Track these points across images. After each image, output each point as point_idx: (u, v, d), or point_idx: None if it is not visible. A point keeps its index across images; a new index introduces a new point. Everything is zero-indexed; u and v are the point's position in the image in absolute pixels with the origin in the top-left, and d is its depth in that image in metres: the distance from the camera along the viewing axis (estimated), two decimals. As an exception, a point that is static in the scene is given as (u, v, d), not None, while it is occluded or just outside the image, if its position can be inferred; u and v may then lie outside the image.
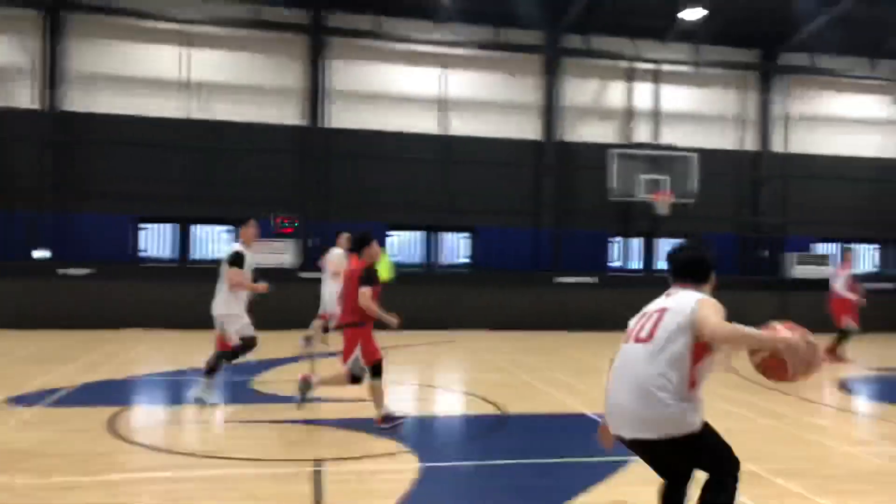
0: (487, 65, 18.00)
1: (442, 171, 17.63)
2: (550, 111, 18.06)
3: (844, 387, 10.41)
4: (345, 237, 11.55)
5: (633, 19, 17.88)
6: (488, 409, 7.97)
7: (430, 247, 18.35)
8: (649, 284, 13.26)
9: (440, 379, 10.49)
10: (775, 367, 3.47)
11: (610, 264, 18.80)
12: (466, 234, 18.48)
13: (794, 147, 19.23)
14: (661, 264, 19.42)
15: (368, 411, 6.97)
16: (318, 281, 12.69)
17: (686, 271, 3.86)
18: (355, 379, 6.90)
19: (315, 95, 17.02)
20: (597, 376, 10.65)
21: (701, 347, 3.47)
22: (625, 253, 18.47)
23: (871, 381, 11.21)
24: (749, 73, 19.13)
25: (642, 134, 18.37)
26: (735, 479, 3.52)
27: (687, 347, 3.47)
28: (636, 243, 19.27)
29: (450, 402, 8.93)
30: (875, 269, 20.26)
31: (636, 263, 19.30)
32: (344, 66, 17.29)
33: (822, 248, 19.68)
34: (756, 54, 19.29)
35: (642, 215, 17.84)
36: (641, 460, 3.77)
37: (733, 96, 19.15)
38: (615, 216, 18.14)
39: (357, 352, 6.82)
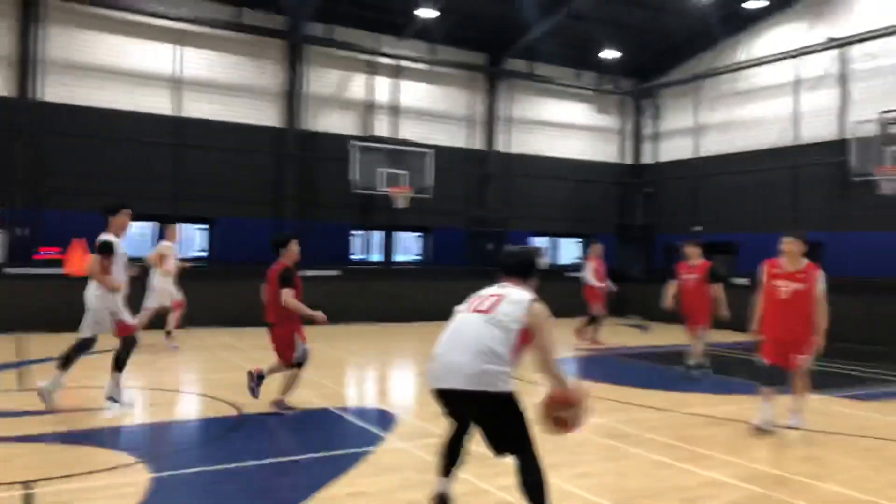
0: (227, 46, 17.31)
1: (175, 157, 16.64)
2: (292, 99, 17.88)
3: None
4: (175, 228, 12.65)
5: (374, 13, 18.31)
6: (226, 411, 7.77)
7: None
8: (389, 276, 13.76)
9: (172, 382, 9.94)
10: (563, 424, 4.41)
11: (352, 256, 19.15)
12: (203, 225, 17.67)
13: (516, 147, 21.02)
14: (401, 257, 20.23)
15: (90, 421, 6.48)
16: (29, 277, 11.44)
17: (516, 270, 4.59)
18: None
19: (25, 65, 15.10)
20: (339, 370, 10.92)
21: (524, 337, 4.23)
22: (366, 245, 18.91)
23: (572, 360, 12.69)
24: (478, 75, 20.51)
25: (383, 128, 18.90)
26: (539, 458, 4.27)
27: (517, 331, 4.21)
28: (377, 236, 19.82)
29: (184, 406, 8.54)
30: (578, 260, 22.91)
31: (377, 256, 19.85)
32: (62, 33, 15.54)
33: (538, 242, 21.79)
34: (484, 58, 20.74)
35: (382, 208, 18.41)
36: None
37: (465, 96, 20.42)
38: (357, 208, 18.50)
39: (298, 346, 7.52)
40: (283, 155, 17.74)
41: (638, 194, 22.70)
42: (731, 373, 11.33)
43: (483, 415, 4.25)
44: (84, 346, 7.59)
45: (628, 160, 23.02)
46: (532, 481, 4.20)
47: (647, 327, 15.54)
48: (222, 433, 6.93)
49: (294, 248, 7.78)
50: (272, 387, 7.73)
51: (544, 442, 6.49)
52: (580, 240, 22.95)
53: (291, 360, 7.58)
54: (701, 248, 10.80)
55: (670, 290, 10.92)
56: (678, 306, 10.83)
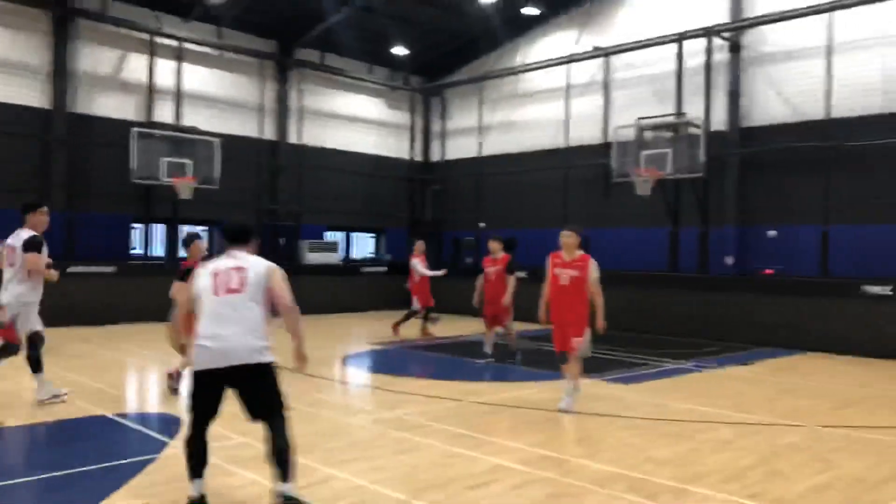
0: (-21, 16, 15.41)
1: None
2: (62, 77, 16.30)
3: (345, 362, 11.85)
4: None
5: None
6: (-16, 423, 7.02)
7: None
8: (172, 273, 13.06)
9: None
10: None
11: (132, 251, 17.86)
12: (-50, 214, 15.58)
13: (308, 139, 20.81)
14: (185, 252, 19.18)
15: None
16: None
17: (242, 237, 5.13)
18: None
19: None
20: (115, 373, 10.22)
21: (270, 302, 4.87)
22: (146, 239, 17.70)
23: (368, 354, 12.94)
24: (268, 63, 20.00)
25: (165, 114, 17.81)
26: (289, 422, 4.84)
27: (265, 300, 4.84)
28: (159, 229, 18.64)
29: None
30: (371, 255, 23.29)
31: (159, 250, 18.67)
32: None
33: (330, 236, 21.79)
34: (274, 45, 20.27)
35: (165, 199, 17.39)
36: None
37: (254, 84, 19.83)
38: (136, 199, 17.29)
39: None
40: (50, 139, 16.14)
41: (428, 190, 23.47)
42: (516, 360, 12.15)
43: (251, 385, 4.76)
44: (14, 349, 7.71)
45: (419, 157, 23.70)
46: (284, 445, 4.66)
47: (437, 319, 16.16)
48: (-20, 451, 6.25)
49: (197, 246, 8.76)
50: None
51: (338, 438, 6.64)
52: (373, 234, 23.30)
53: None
54: (503, 242, 11.48)
55: (479, 283, 11.56)
56: (481, 298, 11.50)
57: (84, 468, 5.72)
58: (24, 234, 7.82)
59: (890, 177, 14.15)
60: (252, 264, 4.92)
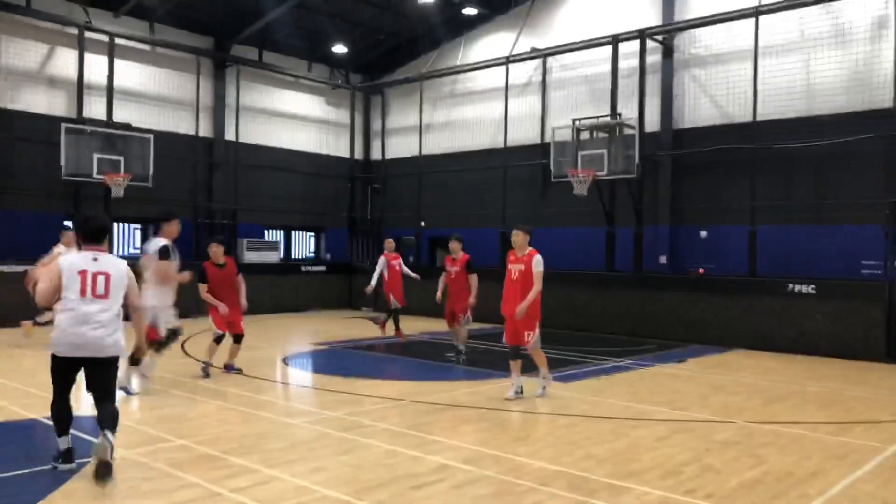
0: None
1: None
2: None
3: (286, 362, 11.73)
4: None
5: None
6: None
7: None
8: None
9: None
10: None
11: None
12: None
13: (246, 137, 20.46)
14: (122, 249, 18.63)
15: None
16: None
17: (100, 236, 5.66)
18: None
19: None
20: (44, 376, 9.84)
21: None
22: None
23: (309, 355, 12.83)
24: (204, 60, 19.58)
25: (96, 110, 17.26)
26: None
27: (122, 299, 5.63)
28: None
29: None
30: (311, 254, 23.06)
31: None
32: None
33: (270, 235, 21.49)
34: (210, 42, 19.88)
35: (97, 197, 16.84)
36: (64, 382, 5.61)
37: (190, 81, 19.39)
38: (66, 197, 16.70)
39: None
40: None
41: (368, 189, 23.37)
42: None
43: (103, 372, 5.57)
44: (171, 338, 9.03)
45: (359, 155, 23.57)
46: (114, 412, 5.48)
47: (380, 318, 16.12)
48: None
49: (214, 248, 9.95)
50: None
51: (280, 439, 6.57)
52: (313, 233, 23.07)
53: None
54: (462, 242, 11.48)
55: (441, 281, 11.56)
56: (443, 295, 11.50)
57: (14, 472, 5.54)
58: (157, 242, 8.74)
59: (812, 179, 14.78)
60: (111, 265, 5.59)
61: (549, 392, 8.93)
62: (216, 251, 9.89)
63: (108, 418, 5.38)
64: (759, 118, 14.84)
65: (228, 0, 18.39)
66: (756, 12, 14.84)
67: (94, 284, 5.45)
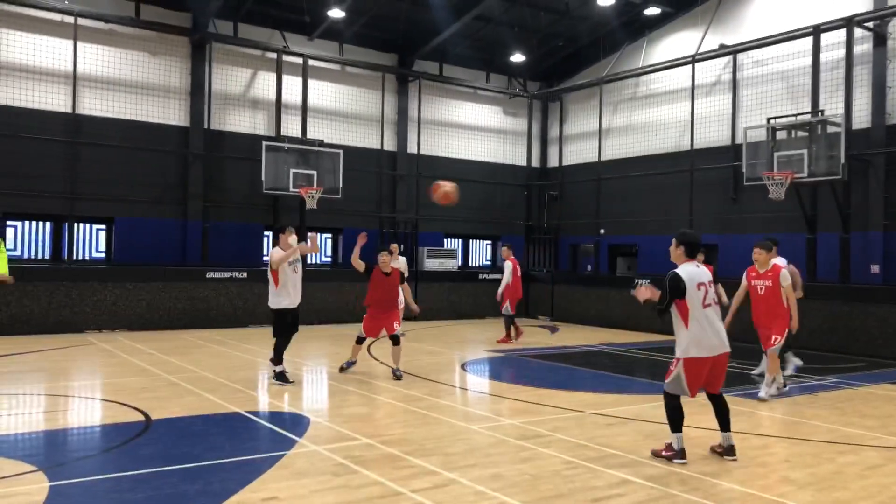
0: (127, 42, 16.69)
1: (73, 154, 15.95)
2: (199, 97, 17.40)
3: (465, 368, 11.88)
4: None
5: (280, 11, 18.18)
6: (132, 417, 7.54)
7: (61, 239, 16.36)
8: (302, 277, 13.48)
9: (76, 387, 9.54)
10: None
11: (265, 258, 18.71)
12: (102, 226, 16.94)
13: (426, 149, 21.12)
14: (313, 258, 19.91)
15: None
16: None
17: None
18: None
19: None
20: (249, 372, 10.72)
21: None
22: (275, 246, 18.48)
23: (486, 361, 12.92)
24: (388, 76, 20.48)
25: (293, 128, 18.62)
26: None
27: None
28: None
29: (87, 412, 8.21)
30: (488, 262, 23.30)
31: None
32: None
33: (448, 243, 21.98)
34: (394, 59, 20.75)
35: (292, 209, 18.16)
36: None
37: (375, 97, 20.37)
38: (266, 209, 18.16)
39: None
40: (188, 154, 17.26)
41: (544, 196, 23.25)
42: (634, 372, 11.80)
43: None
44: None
45: (535, 163, 23.54)
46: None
47: (556, 328, 16.00)
48: (127, 440, 6.69)
49: (384, 256, 10.77)
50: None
51: (455, 444, 6.64)
52: (490, 241, 23.31)
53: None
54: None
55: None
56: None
57: (218, 461, 6.02)
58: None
59: None
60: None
61: (740, 410, 8.31)
62: (385, 259, 10.62)
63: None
64: None
65: (410, 17, 19.10)
66: None
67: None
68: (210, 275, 16.47)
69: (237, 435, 7.03)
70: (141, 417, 7.49)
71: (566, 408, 8.49)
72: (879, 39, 15.20)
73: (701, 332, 6.27)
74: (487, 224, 22.43)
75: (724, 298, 9.67)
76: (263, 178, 17.04)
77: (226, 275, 16.60)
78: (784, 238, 16.38)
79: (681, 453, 6.26)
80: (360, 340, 10.65)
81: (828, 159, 14.34)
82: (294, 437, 6.87)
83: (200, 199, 17.31)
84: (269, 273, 9.82)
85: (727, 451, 6.40)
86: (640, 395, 9.64)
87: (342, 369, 10.65)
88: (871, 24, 15.14)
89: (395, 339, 10.42)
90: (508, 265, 15.06)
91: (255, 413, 7.99)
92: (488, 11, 18.82)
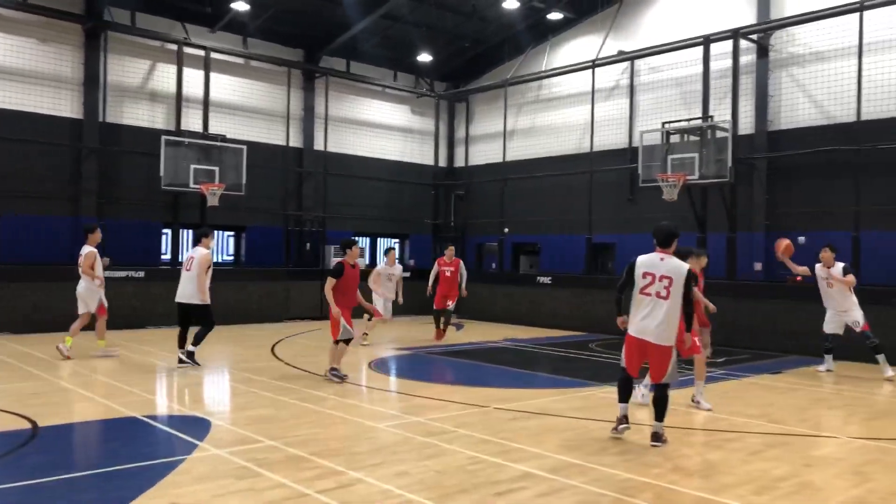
0: (12, 27, 15.75)
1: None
2: (93, 88, 16.61)
3: (372, 366, 11.88)
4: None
5: (181, 2, 17.59)
6: (17, 424, 7.14)
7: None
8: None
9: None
10: None
11: (164, 257, 18.08)
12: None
13: (333, 146, 20.94)
14: (214, 256, 19.33)
15: None
16: None
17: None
18: None
19: None
20: (147, 375, 10.36)
21: None
22: (175, 244, 17.88)
23: (394, 359, 12.95)
24: (294, 72, 20.16)
25: (193, 122, 18.06)
26: None
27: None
28: (187, 234, 18.83)
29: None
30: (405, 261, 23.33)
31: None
32: None
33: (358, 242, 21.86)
34: (300, 54, 20.45)
35: (193, 206, 17.62)
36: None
37: (280, 92, 20.01)
38: (165, 206, 17.54)
39: None
40: (82, 148, 16.45)
41: (451, 196, 23.49)
42: (537, 367, 12.12)
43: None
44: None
45: (442, 162, 23.74)
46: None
47: (462, 325, 16.20)
48: (11, 450, 6.34)
49: (355, 250, 10.20)
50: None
51: (361, 444, 6.65)
52: (397, 240, 23.34)
53: (336, 337, 9.83)
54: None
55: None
56: None
57: (115, 467, 5.80)
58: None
59: (923, 181, 13.89)
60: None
61: (640, 401, 8.70)
62: (356, 251, 10.22)
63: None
64: (863, 118, 14.08)
65: (318, 13, 18.88)
66: (860, 7, 14.09)
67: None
68: (104, 274, 15.73)
69: (134, 440, 6.80)
70: (27, 425, 7.11)
71: (471, 403, 8.64)
72: (762, 51, 16.17)
73: (634, 314, 6.85)
74: (395, 222, 22.46)
75: (711, 306, 10.02)
76: (162, 173, 16.45)
77: (121, 274, 15.92)
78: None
79: (619, 420, 6.94)
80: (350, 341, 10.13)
81: (716, 163, 15.15)
82: (195, 440, 6.70)
83: (95, 196, 16.55)
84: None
85: (651, 436, 6.85)
86: (542, 390, 9.91)
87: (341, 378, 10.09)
88: (755, 36, 16.08)
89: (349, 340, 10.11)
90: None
91: (153, 417, 7.74)
92: (396, 10, 18.84)
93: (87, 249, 11.82)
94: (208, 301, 11.00)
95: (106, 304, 12.01)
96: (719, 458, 6.49)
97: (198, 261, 10.93)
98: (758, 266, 15.96)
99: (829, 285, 11.40)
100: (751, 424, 7.84)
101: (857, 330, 11.22)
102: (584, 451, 6.62)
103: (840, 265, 11.34)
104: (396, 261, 15.49)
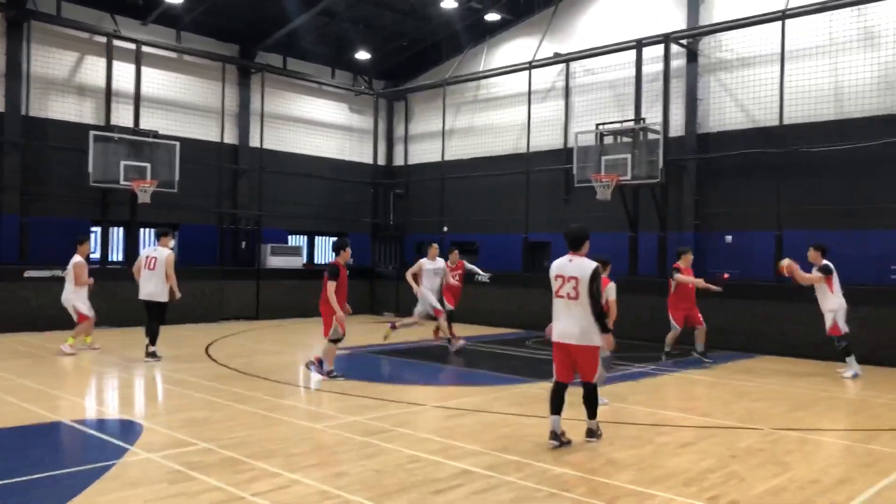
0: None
1: None
2: (15, 79, 15.95)
3: (310, 367, 11.76)
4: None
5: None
6: (-65, 433, 6.84)
7: None
8: (133, 277, 12.82)
9: None
10: None
11: (92, 256, 17.46)
12: None
13: (270, 143, 20.64)
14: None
15: None
16: None
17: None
18: None
19: None
20: (75, 379, 10.02)
21: None
22: (104, 243, 17.31)
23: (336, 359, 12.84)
24: (229, 67, 19.77)
25: (124, 117, 17.53)
26: None
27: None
28: (117, 233, 18.29)
29: None
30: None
31: (117, 255, 18.29)
32: None
33: (293, 241, 21.64)
34: (235, 49, 20.09)
35: (123, 203, 17.11)
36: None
37: (215, 88, 19.60)
38: (94, 203, 16.98)
39: None
40: (3, 142, 15.79)
41: (390, 195, 23.45)
42: (475, 365, 12.22)
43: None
44: None
45: (381, 161, 23.67)
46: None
47: (398, 326, 16.14)
48: (-70, 462, 6.06)
49: (348, 251, 10.27)
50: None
51: (299, 445, 6.60)
52: (336, 238, 23.15)
53: (327, 336, 10.06)
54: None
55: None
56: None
57: (39, 475, 5.61)
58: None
59: (841, 183, 14.56)
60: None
61: (572, 399, 8.86)
62: (348, 252, 10.28)
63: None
64: (786, 122, 14.67)
65: (253, 8, 18.58)
66: (783, 15, 14.68)
67: None
68: (29, 273, 15.17)
69: (60, 446, 6.60)
70: (-54, 432, 6.82)
71: (410, 402, 8.67)
72: (692, 55, 16.69)
73: (555, 319, 6.90)
74: (333, 221, 22.28)
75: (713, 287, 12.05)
76: (91, 170, 15.94)
77: (47, 274, 15.33)
78: (609, 236, 17.62)
79: (550, 434, 6.76)
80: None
81: (648, 164, 15.56)
82: (125, 445, 6.53)
83: (18, 192, 15.91)
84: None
85: (586, 432, 7.03)
86: (480, 387, 10.01)
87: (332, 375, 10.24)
88: (685, 41, 16.57)
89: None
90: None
91: (82, 422, 7.51)
92: (334, 6, 18.69)
93: (76, 259, 12.45)
94: (167, 300, 11.73)
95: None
96: (651, 451, 6.68)
97: (163, 261, 11.59)
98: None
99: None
100: (681, 418, 8.10)
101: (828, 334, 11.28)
102: (521, 447, 6.73)
103: (822, 264, 11.16)
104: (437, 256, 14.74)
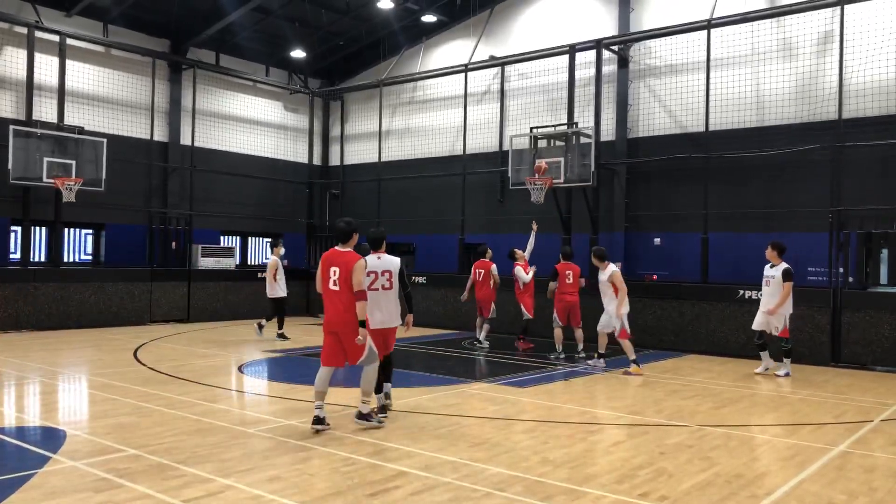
0: None
1: None
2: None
3: (242, 370, 11.58)
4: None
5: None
6: None
7: None
8: (56, 278, 12.47)
9: None
10: None
11: (13, 256, 16.76)
12: None
13: (201, 141, 20.18)
14: (70, 256, 18.20)
15: None
16: None
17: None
18: None
19: None
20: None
21: None
22: (25, 243, 16.59)
23: (265, 362, 12.68)
24: (159, 63, 19.25)
25: (46, 112, 16.87)
26: None
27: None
28: (39, 232, 17.57)
29: None
30: (268, 260, 22.75)
31: (40, 255, 17.56)
32: None
33: (226, 241, 21.19)
34: (165, 44, 19.58)
35: (46, 201, 16.46)
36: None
37: (144, 84, 19.05)
38: (14, 201, 16.27)
39: None
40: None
41: (326, 195, 23.24)
42: (410, 366, 12.23)
43: None
44: None
45: (317, 160, 23.44)
46: None
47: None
48: None
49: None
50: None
51: (231, 450, 6.49)
52: (270, 239, 22.80)
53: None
54: None
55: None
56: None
57: (-44, 490, 5.37)
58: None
59: (762, 187, 15.16)
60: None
61: (506, 398, 8.97)
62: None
63: None
64: (711, 128, 15.17)
65: (185, 2, 18.14)
66: (708, 25, 15.18)
67: None
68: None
69: (-22, 455, 6.31)
70: None
71: (345, 404, 8.62)
72: (623, 61, 17.10)
73: (371, 308, 7.65)
74: (268, 221, 21.95)
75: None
76: (11, 166, 15.28)
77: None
78: (544, 237, 17.89)
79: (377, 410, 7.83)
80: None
81: (581, 167, 15.86)
82: (47, 453, 6.30)
83: (-71, 189, 15.15)
84: None
85: (380, 409, 7.94)
86: (416, 388, 10.01)
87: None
88: (616, 48, 16.97)
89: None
90: (518, 269, 14.31)
91: (2, 430, 7.21)
92: (269, 3, 18.43)
93: None
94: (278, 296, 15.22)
95: None
96: (584, 449, 6.83)
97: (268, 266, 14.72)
98: (618, 265, 16.81)
99: (766, 283, 11.53)
100: (612, 416, 8.30)
101: (776, 335, 11.53)
102: (457, 447, 6.78)
103: (783, 267, 11.35)
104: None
